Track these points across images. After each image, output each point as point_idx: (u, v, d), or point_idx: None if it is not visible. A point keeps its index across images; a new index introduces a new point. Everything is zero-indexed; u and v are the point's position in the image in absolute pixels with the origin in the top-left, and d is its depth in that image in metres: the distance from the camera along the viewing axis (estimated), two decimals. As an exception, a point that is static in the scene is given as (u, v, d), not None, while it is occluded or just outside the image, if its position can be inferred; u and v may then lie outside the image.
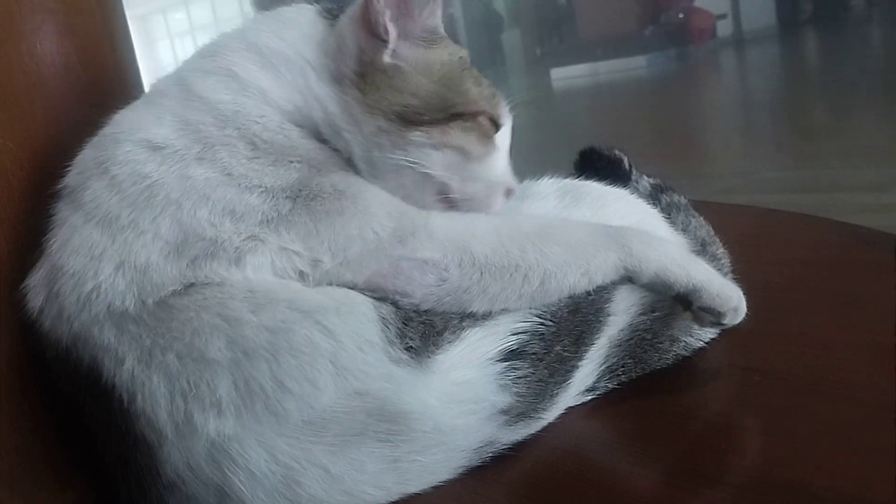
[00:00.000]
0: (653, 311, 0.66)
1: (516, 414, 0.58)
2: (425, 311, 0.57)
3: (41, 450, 0.61)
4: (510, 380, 0.57)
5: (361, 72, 0.62)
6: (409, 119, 0.60)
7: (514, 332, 0.58)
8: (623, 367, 0.65)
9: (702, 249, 0.76)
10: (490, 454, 0.58)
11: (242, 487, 0.50)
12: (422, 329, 0.55)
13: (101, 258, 0.54)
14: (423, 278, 0.57)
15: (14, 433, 0.59)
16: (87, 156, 0.59)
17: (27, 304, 0.56)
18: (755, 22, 8.66)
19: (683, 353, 0.68)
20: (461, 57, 0.67)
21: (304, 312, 0.53)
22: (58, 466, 0.62)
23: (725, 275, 0.74)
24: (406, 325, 0.55)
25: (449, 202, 0.63)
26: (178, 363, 0.51)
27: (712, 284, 0.63)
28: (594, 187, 0.75)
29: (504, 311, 0.58)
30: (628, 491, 0.54)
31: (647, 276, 0.62)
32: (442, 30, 0.65)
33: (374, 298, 0.56)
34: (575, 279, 0.60)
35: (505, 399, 0.56)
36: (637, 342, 0.65)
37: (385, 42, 0.61)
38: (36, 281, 0.56)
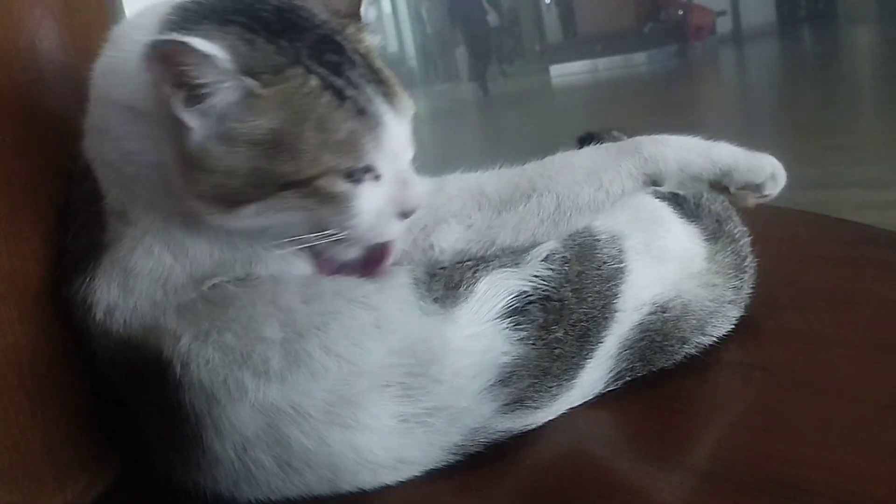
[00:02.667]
0: (664, 311, 0.65)
1: (513, 400, 0.58)
2: (455, 261, 0.61)
3: (39, 446, 0.61)
4: (514, 339, 0.58)
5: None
6: (231, 200, 0.53)
7: (517, 291, 0.59)
8: (630, 370, 0.65)
9: (718, 228, 0.74)
10: (483, 440, 0.58)
11: (283, 429, 0.54)
12: (444, 280, 0.59)
13: (170, 263, 0.57)
14: (451, 230, 0.62)
15: (12, 429, 0.59)
16: (110, 180, 0.59)
17: (93, 297, 0.58)
18: (755, 19, 8.67)
19: (693, 352, 0.67)
20: (290, 104, 0.52)
21: (350, 299, 0.57)
22: (56, 463, 0.62)
23: (745, 257, 0.73)
24: (432, 279, 0.59)
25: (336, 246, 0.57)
26: (235, 340, 0.55)
27: (740, 162, 0.64)
28: None
29: (533, 242, 0.62)
30: (627, 488, 0.54)
31: (671, 176, 0.64)
32: (259, 87, 0.51)
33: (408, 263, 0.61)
34: (590, 195, 0.63)
35: (511, 350, 0.58)
36: (647, 344, 0.64)
37: (185, 127, 0.51)
38: (104, 279, 0.58)
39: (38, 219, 0.62)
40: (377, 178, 0.55)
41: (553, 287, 0.60)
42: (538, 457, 0.59)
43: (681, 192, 0.68)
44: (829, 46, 6.83)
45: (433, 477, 0.58)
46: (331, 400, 0.54)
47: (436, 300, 0.58)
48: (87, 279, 0.58)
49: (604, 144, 0.67)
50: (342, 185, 0.54)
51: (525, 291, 0.59)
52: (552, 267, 0.61)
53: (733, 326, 0.70)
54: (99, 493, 0.65)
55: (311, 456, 0.55)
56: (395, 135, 0.56)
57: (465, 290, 0.59)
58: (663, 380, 0.65)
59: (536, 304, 0.59)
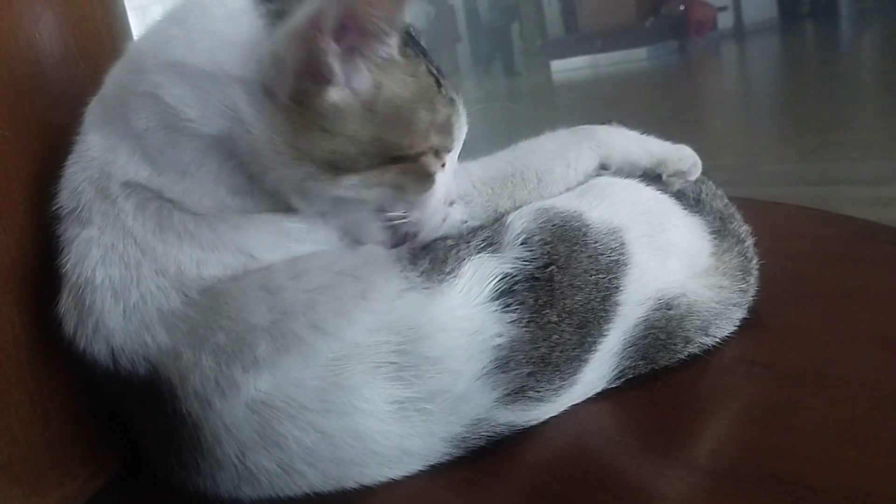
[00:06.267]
0: (668, 308, 0.64)
1: (514, 389, 0.58)
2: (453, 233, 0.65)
3: (39, 441, 0.61)
4: (507, 321, 0.58)
5: (297, 99, 0.53)
6: (341, 167, 0.55)
7: (501, 274, 0.59)
8: (633, 367, 0.64)
9: (722, 225, 0.74)
10: (486, 433, 0.58)
11: (279, 428, 0.53)
12: (430, 255, 0.60)
13: (139, 266, 0.56)
14: (457, 207, 0.67)
15: (11, 425, 0.59)
16: (77, 178, 0.59)
17: (64, 330, 0.58)
18: (756, 14, 8.64)
19: (696, 352, 0.67)
20: (416, 79, 0.57)
21: (337, 272, 0.57)
22: (55, 458, 0.63)
23: (751, 259, 0.73)
24: (417, 254, 0.61)
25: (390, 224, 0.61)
26: (225, 338, 0.54)
27: (670, 153, 0.75)
28: (600, 178, 0.74)
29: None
30: (628, 483, 0.54)
31: (617, 160, 0.73)
32: (397, 53, 0.55)
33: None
34: (562, 170, 0.71)
35: (505, 332, 0.57)
36: (651, 341, 0.64)
37: (328, 82, 0.52)
38: (65, 304, 0.58)
39: (38, 214, 0.62)
40: (443, 165, 0.60)
41: (538, 267, 0.60)
42: (539, 452, 0.59)
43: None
44: (830, 43, 6.81)
45: (434, 473, 0.58)
46: (322, 387, 0.53)
47: (422, 273, 0.58)
48: (59, 302, 0.58)
49: (560, 130, 0.76)
50: (436, 165, 0.59)
51: (509, 273, 0.59)
52: (531, 248, 0.61)
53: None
54: (98, 488, 0.66)
55: (312, 453, 0.54)
56: (464, 129, 0.63)
57: (451, 267, 0.59)
58: (664, 375, 0.65)
59: (523, 284, 0.59)
